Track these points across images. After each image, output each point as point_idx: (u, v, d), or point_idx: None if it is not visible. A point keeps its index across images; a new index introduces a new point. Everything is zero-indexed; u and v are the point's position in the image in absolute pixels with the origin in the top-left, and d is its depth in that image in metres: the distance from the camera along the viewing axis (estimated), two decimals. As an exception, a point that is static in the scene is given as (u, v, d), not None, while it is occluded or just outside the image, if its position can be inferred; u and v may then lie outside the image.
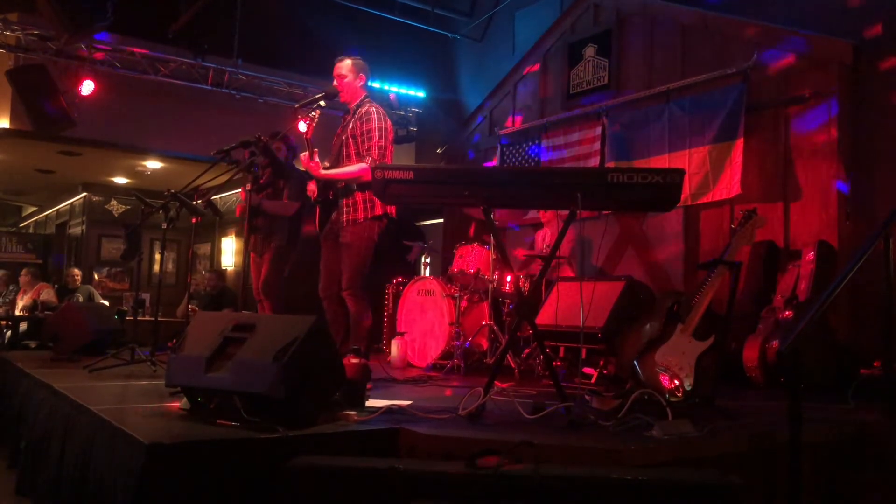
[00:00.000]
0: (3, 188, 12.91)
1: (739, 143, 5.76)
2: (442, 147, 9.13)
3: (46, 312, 7.45)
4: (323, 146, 4.25)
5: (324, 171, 4.22)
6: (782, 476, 2.70)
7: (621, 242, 6.77)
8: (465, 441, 2.56)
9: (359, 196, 4.22)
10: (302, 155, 4.21)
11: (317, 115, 4.16)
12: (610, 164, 6.67)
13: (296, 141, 5.20)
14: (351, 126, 4.28)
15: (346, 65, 4.34)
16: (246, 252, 4.74)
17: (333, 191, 4.31)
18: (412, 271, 6.32)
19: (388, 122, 4.31)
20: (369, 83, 4.47)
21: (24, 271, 9.21)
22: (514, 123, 8.15)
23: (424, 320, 6.05)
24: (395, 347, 5.82)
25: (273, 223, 5.14)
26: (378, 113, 4.26)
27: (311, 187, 4.44)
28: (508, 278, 5.78)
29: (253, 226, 4.88)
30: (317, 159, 4.16)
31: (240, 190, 5.04)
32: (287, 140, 5.29)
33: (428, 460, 2.46)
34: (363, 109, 4.28)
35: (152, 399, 3.29)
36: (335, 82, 4.34)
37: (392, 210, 4.31)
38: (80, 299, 8.78)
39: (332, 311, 4.33)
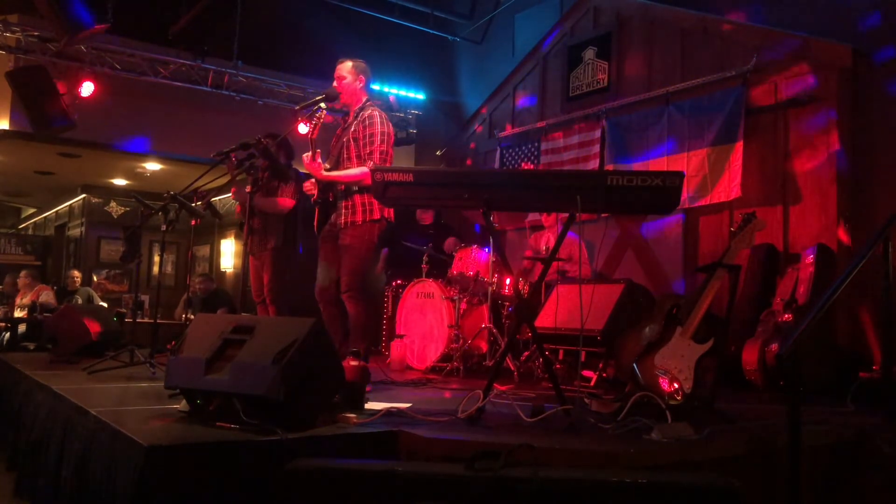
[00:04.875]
0: (2, 190, 12.90)
1: (739, 145, 5.77)
2: (442, 149, 9.13)
3: (45, 314, 7.44)
4: (322, 148, 4.25)
5: (325, 173, 4.22)
6: (781, 479, 2.70)
7: (621, 245, 6.78)
8: (465, 444, 2.56)
9: (357, 199, 4.22)
10: (304, 156, 4.20)
11: (321, 116, 4.15)
12: (608, 167, 6.67)
13: (295, 144, 5.19)
14: (353, 129, 4.27)
15: (346, 67, 4.33)
16: (245, 254, 4.74)
17: (333, 193, 4.31)
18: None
19: (391, 126, 4.32)
20: (370, 85, 4.47)
21: (23, 273, 9.19)
22: (513, 126, 8.15)
23: (424, 323, 6.04)
24: (394, 350, 5.81)
25: (268, 224, 5.13)
26: (381, 117, 4.25)
27: (308, 186, 4.44)
28: (508, 281, 5.77)
29: (250, 227, 4.88)
30: (319, 160, 4.16)
31: (231, 188, 5.00)
32: (287, 145, 5.28)
33: (427, 463, 2.45)
34: (366, 113, 4.27)
35: (151, 401, 3.29)
36: (335, 84, 4.34)
37: (390, 214, 4.31)
38: (80, 301, 8.77)
39: (329, 313, 4.32)
